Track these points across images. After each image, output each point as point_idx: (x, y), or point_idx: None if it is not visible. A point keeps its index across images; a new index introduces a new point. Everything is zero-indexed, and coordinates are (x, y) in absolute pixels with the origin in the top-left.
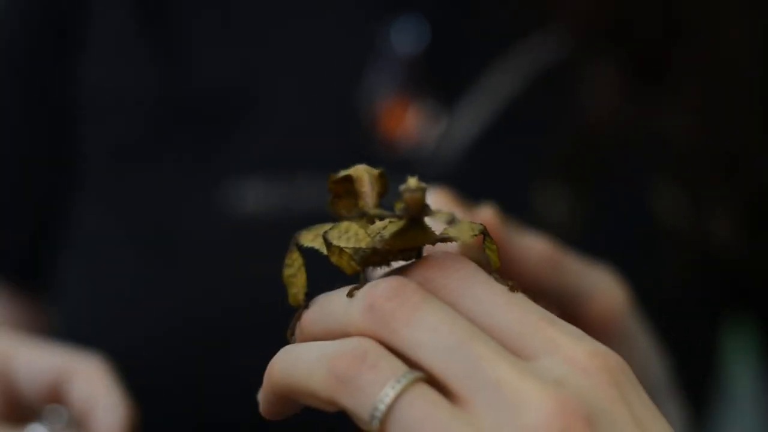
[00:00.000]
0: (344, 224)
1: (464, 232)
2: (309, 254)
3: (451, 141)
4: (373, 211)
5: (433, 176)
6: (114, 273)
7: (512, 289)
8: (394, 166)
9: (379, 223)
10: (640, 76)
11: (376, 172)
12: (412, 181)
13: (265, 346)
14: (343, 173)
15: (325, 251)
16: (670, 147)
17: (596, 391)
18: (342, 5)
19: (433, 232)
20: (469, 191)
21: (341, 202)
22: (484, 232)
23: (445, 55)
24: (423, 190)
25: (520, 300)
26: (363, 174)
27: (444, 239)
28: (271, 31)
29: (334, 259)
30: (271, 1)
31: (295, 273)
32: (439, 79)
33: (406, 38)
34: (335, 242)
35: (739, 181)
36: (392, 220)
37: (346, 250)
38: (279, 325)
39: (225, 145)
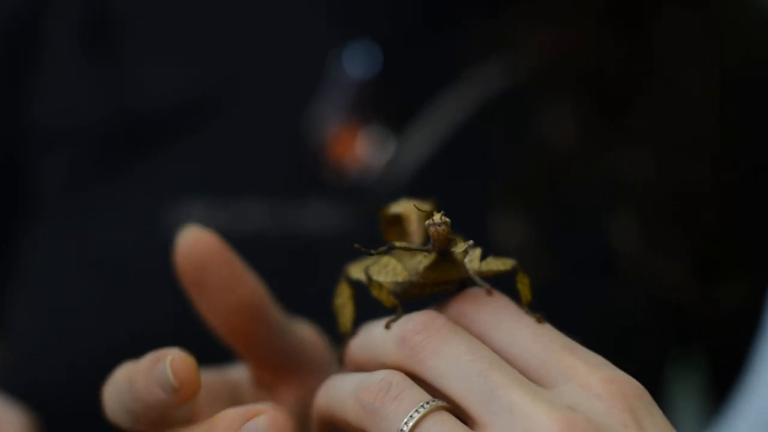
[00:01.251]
0: (384, 259)
1: (495, 266)
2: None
3: (398, 166)
4: (399, 244)
5: (379, 202)
6: (61, 298)
7: (539, 320)
8: (342, 191)
9: (417, 257)
10: (597, 112)
11: (425, 208)
12: (437, 216)
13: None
14: (393, 209)
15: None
16: (627, 184)
17: (609, 416)
18: (294, 28)
19: (464, 266)
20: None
21: (392, 231)
22: (516, 267)
23: (395, 81)
24: (447, 224)
25: (546, 330)
26: (411, 211)
27: (477, 273)
28: (220, 53)
29: (374, 292)
30: (220, 22)
31: (344, 303)
32: (390, 105)
33: (357, 63)
34: (375, 277)
35: (691, 222)
36: (426, 254)
37: (386, 284)
38: (224, 346)
39: (171, 167)
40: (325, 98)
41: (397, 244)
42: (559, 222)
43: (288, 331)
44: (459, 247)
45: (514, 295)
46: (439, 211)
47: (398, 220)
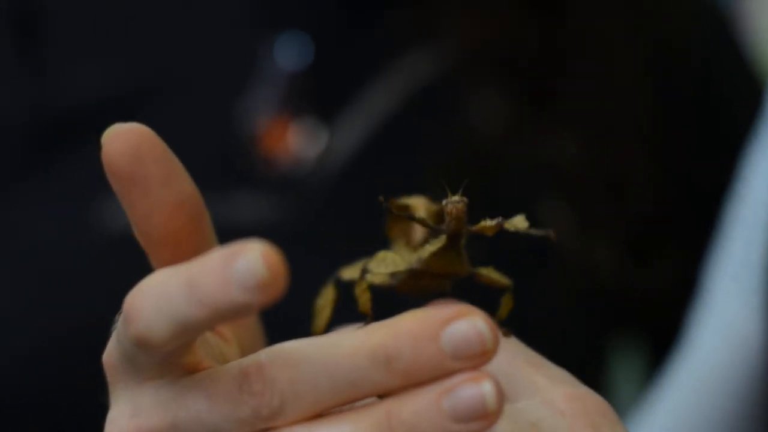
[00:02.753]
0: (380, 254)
1: (495, 276)
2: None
3: (330, 157)
4: (417, 215)
5: (312, 193)
6: None
7: (505, 334)
8: (274, 183)
9: (424, 246)
10: (526, 98)
11: (434, 206)
12: (456, 195)
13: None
14: (403, 200)
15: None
16: (556, 170)
17: None
18: (224, 21)
19: (467, 264)
20: (349, 207)
21: (397, 226)
22: (510, 287)
23: (326, 72)
24: (465, 202)
25: (512, 345)
26: (420, 205)
27: (475, 275)
28: (149, 47)
29: (358, 291)
30: (149, 16)
31: (324, 306)
32: (321, 96)
33: (288, 55)
34: (374, 269)
35: (622, 207)
36: (434, 240)
37: (384, 276)
38: None
39: (99, 162)
40: (256, 91)
41: (416, 215)
42: (489, 209)
43: (215, 241)
44: (487, 223)
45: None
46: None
47: (405, 213)
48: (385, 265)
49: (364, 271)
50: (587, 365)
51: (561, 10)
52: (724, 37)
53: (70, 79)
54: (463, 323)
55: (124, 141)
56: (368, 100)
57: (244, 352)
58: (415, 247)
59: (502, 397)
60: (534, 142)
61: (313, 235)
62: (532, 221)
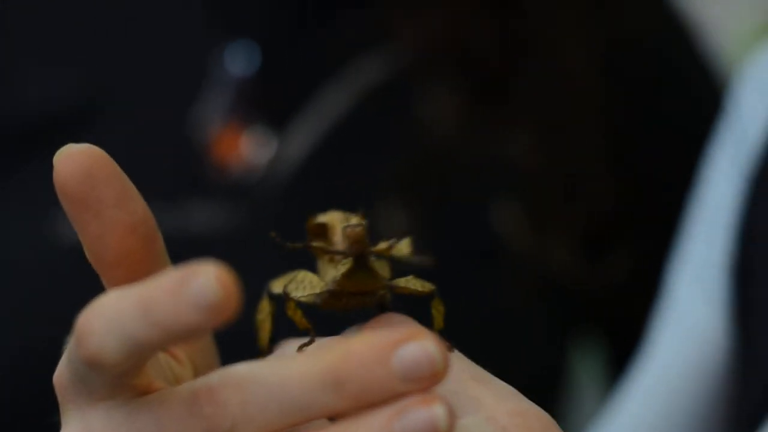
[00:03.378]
0: (300, 274)
1: (414, 285)
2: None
3: (282, 163)
4: (316, 244)
5: (264, 200)
6: None
7: (449, 349)
8: (226, 191)
9: (336, 267)
10: (480, 95)
11: (352, 219)
12: (354, 218)
13: None
14: (319, 218)
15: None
16: (511, 168)
17: None
18: (174, 30)
19: (382, 278)
20: (301, 213)
21: (317, 242)
22: (434, 292)
23: (276, 79)
24: (363, 226)
25: (456, 360)
26: (336, 222)
27: (393, 287)
28: (102, 56)
29: (289, 313)
30: (100, 26)
31: (263, 319)
32: (271, 103)
33: (238, 63)
34: (293, 293)
35: (577, 204)
36: (343, 262)
37: (305, 298)
38: None
39: (50, 172)
40: (208, 99)
41: (314, 243)
42: (445, 208)
43: (167, 262)
44: (381, 245)
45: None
46: (363, 219)
47: (323, 231)
48: (303, 288)
49: (286, 293)
50: (547, 365)
51: (514, 7)
52: (680, 35)
53: (26, 90)
54: (413, 346)
55: (76, 162)
56: (319, 104)
57: (198, 371)
58: (337, 263)
59: (453, 418)
60: (488, 140)
61: (266, 242)
62: (417, 247)
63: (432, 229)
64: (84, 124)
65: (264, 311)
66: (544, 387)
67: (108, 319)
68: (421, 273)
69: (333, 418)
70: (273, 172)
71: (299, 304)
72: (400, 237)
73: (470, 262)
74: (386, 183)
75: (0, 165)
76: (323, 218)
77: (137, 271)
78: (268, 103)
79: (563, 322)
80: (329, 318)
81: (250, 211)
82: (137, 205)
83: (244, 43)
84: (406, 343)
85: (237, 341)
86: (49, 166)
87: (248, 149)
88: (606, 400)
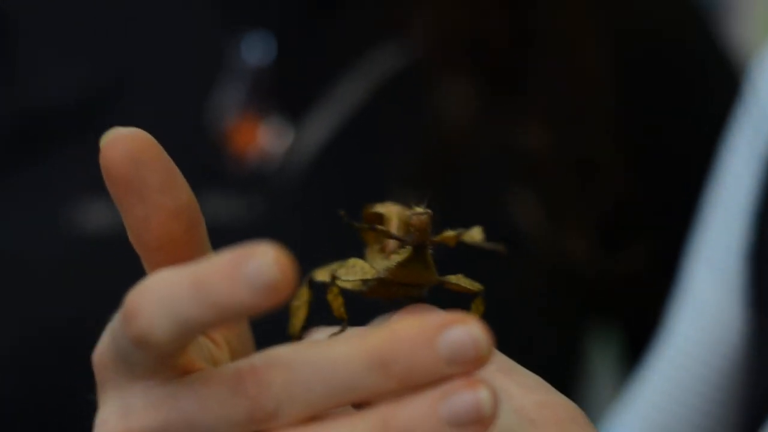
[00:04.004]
0: (351, 260)
1: (464, 282)
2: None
3: (298, 154)
4: (380, 227)
5: (281, 189)
6: None
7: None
8: (243, 181)
9: (391, 256)
10: (493, 86)
11: (408, 213)
12: (420, 207)
13: None
14: (376, 208)
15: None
16: (525, 158)
17: None
18: (189, 21)
19: (435, 273)
20: (319, 202)
21: (370, 231)
22: (481, 292)
23: (292, 69)
24: (429, 214)
25: None
26: (393, 214)
27: (444, 282)
28: (117, 47)
29: (329, 297)
30: (115, 18)
31: (299, 306)
32: (287, 93)
33: (255, 53)
34: (342, 277)
35: (592, 193)
36: (400, 251)
37: (353, 283)
38: None
39: (70, 166)
40: (224, 89)
41: (379, 227)
42: (460, 198)
43: (209, 248)
44: (448, 233)
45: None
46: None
47: (379, 221)
48: (354, 273)
49: (334, 278)
50: (563, 353)
51: None
52: (695, 22)
53: (42, 84)
54: (460, 329)
55: (124, 146)
56: (335, 95)
57: (234, 355)
58: (388, 253)
59: (497, 403)
60: (503, 131)
61: (284, 232)
62: (488, 234)
63: (447, 219)
64: (101, 115)
65: (301, 298)
66: (560, 375)
67: (159, 298)
68: (443, 263)
69: (359, 406)
70: (289, 162)
71: (342, 293)
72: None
73: (486, 252)
74: (401, 173)
75: (18, 157)
76: (381, 208)
77: (179, 257)
78: (284, 94)
79: (579, 311)
80: (359, 309)
81: (267, 201)
82: (182, 190)
83: (260, 33)
84: (452, 327)
85: (257, 327)
86: (66, 158)
87: (265, 139)
88: (622, 388)
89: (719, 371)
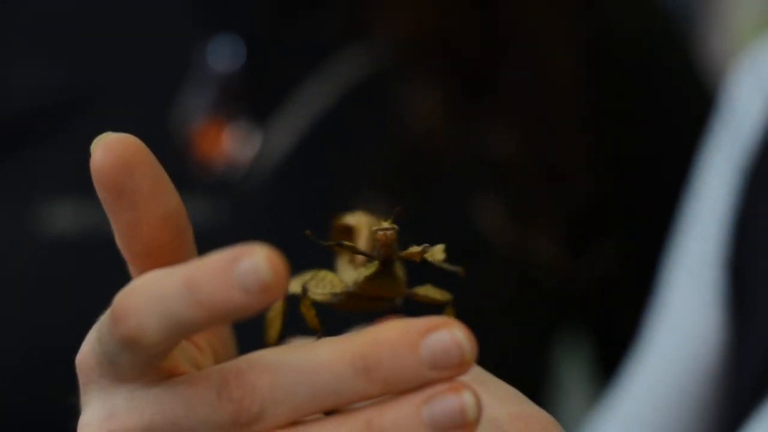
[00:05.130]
0: (321, 272)
1: (432, 293)
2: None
3: (265, 159)
4: (347, 243)
5: (247, 195)
6: None
7: None
8: (209, 187)
9: (358, 270)
10: (461, 90)
11: (383, 222)
12: (386, 222)
13: None
14: (346, 219)
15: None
16: (493, 163)
17: None
18: (157, 25)
19: (403, 286)
20: (286, 208)
21: (347, 242)
22: (450, 302)
23: (259, 74)
24: (395, 230)
25: None
26: (362, 225)
27: (412, 295)
28: (85, 50)
29: (302, 309)
30: (83, 20)
31: (274, 317)
32: (254, 98)
33: (221, 58)
34: (312, 290)
35: (560, 198)
36: (368, 264)
37: (323, 296)
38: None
39: (36, 167)
40: (190, 94)
41: (345, 243)
42: (427, 204)
43: (196, 254)
44: (413, 249)
45: None
46: (393, 222)
47: (348, 232)
48: (324, 286)
49: (305, 289)
50: (531, 364)
51: (496, 0)
52: (665, 28)
53: (7, 84)
54: (443, 333)
55: (114, 151)
56: (302, 99)
57: (218, 359)
58: (357, 266)
59: (481, 407)
60: (470, 135)
61: (250, 237)
62: (454, 240)
63: (415, 226)
64: (67, 118)
65: (276, 309)
66: (529, 384)
67: (149, 298)
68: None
69: (328, 413)
70: (256, 168)
71: (314, 303)
72: (432, 243)
73: (452, 258)
74: (369, 177)
75: None
76: (351, 219)
77: (166, 262)
78: (251, 98)
79: (548, 319)
80: (333, 321)
81: (233, 207)
82: (171, 196)
83: (227, 37)
84: (435, 331)
85: (241, 334)
86: (32, 159)
87: (231, 145)
88: (593, 397)
89: (698, 380)
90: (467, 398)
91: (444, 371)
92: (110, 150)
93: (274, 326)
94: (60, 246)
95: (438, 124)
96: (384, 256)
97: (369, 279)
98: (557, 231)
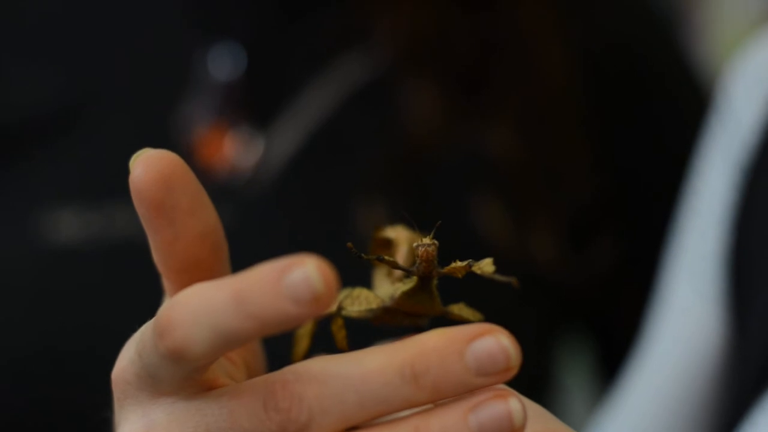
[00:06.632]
0: (356, 290)
1: (466, 313)
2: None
3: (267, 165)
4: (387, 258)
5: (250, 201)
6: None
7: None
8: (211, 193)
9: (395, 285)
10: (459, 93)
11: (424, 238)
12: (427, 238)
13: (84, 375)
14: (387, 232)
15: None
16: (492, 163)
17: None
18: (158, 33)
19: (439, 304)
20: (289, 214)
21: (380, 254)
22: (482, 321)
23: (261, 80)
24: (436, 246)
25: None
26: (402, 239)
27: (447, 313)
28: (86, 58)
29: (334, 328)
30: (85, 28)
31: (303, 335)
32: (256, 104)
33: (222, 65)
34: (347, 308)
35: (559, 197)
36: (406, 280)
37: (359, 313)
38: (95, 354)
39: (38, 173)
40: (192, 101)
41: (386, 257)
42: (427, 205)
43: (230, 271)
44: (457, 264)
45: None
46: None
47: (388, 245)
48: (359, 303)
49: (340, 308)
50: (533, 365)
51: (492, 3)
52: (659, 29)
53: (10, 92)
54: (489, 340)
55: (154, 168)
56: (303, 105)
57: (250, 374)
58: (395, 280)
59: (526, 413)
60: (469, 136)
61: (254, 244)
62: (498, 266)
63: (414, 227)
64: (68, 126)
65: (305, 327)
66: (530, 386)
67: (196, 310)
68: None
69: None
70: (259, 174)
71: (345, 324)
72: (476, 258)
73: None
74: (370, 181)
75: None
76: (391, 233)
77: (201, 278)
78: (253, 105)
79: (548, 321)
80: (358, 342)
81: (236, 213)
82: (209, 213)
83: (228, 44)
84: (482, 337)
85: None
86: (32, 168)
87: (233, 151)
88: (594, 397)
89: (699, 376)
90: (514, 405)
91: (490, 377)
92: (150, 166)
93: (302, 344)
94: (62, 253)
95: (437, 125)
96: (423, 272)
97: (406, 294)
98: (557, 230)
